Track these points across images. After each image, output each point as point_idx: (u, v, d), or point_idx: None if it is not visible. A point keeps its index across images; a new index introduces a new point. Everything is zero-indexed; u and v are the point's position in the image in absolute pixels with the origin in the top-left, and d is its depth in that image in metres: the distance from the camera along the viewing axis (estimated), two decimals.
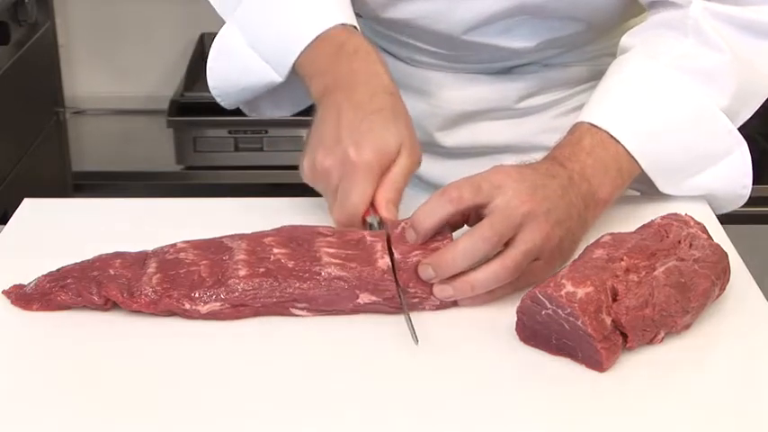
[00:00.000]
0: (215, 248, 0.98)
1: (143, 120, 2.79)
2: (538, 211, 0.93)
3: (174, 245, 0.99)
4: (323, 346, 0.92)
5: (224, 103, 1.21)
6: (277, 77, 1.12)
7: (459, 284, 0.93)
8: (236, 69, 1.15)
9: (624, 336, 0.89)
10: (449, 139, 1.29)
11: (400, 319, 0.94)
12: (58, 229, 1.11)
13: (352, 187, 0.97)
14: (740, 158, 1.09)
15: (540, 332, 0.90)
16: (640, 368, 0.88)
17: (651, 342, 0.90)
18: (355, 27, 1.09)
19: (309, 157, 1.00)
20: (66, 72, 2.83)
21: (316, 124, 1.02)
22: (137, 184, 2.67)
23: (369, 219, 0.97)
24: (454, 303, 0.96)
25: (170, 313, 0.94)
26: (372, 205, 0.98)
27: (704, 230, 0.98)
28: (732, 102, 1.07)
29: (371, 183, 0.97)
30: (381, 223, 0.97)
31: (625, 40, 1.13)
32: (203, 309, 0.93)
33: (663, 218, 0.99)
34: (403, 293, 0.93)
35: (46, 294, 0.95)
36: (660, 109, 1.06)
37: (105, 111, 2.85)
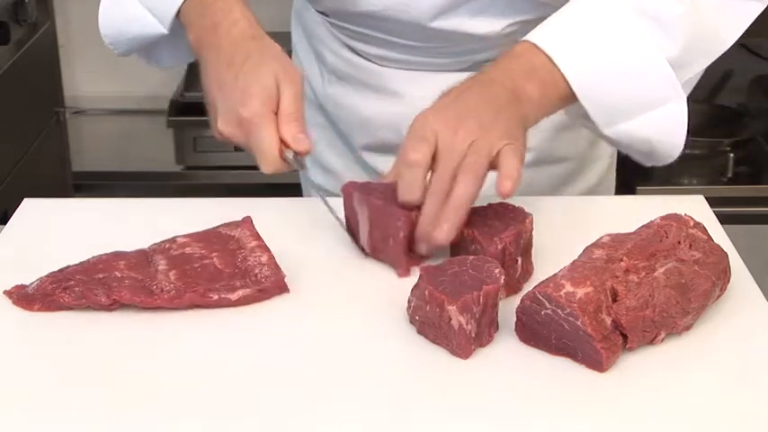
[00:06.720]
0: (216, 239, 1.00)
1: (143, 120, 2.78)
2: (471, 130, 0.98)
3: (174, 240, 1.00)
4: (321, 345, 0.92)
5: (116, 51, 1.25)
6: (163, 29, 1.16)
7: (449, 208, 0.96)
8: (125, 19, 1.20)
9: (624, 336, 0.89)
10: None
11: (405, 319, 0.94)
12: (58, 229, 1.11)
13: (258, 140, 1.04)
14: (677, 109, 1.11)
15: (539, 332, 0.90)
16: (640, 368, 0.88)
17: (651, 342, 0.90)
18: None
19: (214, 127, 1.09)
20: (66, 72, 2.82)
21: (203, 84, 1.10)
22: (137, 184, 2.67)
23: (285, 155, 1.04)
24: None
25: (173, 309, 0.94)
26: (284, 143, 1.04)
27: (704, 231, 0.98)
28: (682, 53, 1.09)
29: (270, 127, 1.04)
30: (297, 155, 1.05)
31: None
32: (233, 296, 0.95)
33: (662, 218, 0.99)
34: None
35: (48, 295, 0.95)
36: (606, 44, 1.08)
37: (105, 111, 2.84)
